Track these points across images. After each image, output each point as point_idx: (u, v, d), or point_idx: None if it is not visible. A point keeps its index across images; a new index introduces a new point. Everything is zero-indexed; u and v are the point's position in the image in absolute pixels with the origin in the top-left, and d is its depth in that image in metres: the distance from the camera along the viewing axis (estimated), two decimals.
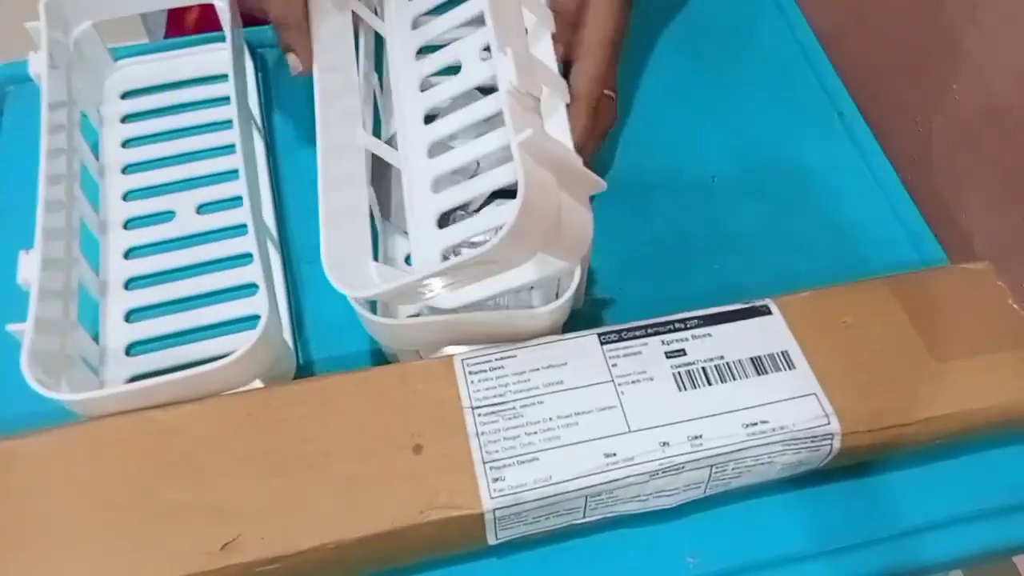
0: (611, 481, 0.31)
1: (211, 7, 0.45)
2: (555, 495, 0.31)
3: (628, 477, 0.31)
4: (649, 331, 0.35)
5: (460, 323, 0.34)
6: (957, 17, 0.45)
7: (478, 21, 0.37)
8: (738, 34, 0.52)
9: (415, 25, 0.41)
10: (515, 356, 0.34)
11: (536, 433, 0.32)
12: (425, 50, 0.41)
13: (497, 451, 0.31)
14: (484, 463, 0.31)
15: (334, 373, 0.34)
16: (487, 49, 0.36)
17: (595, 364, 0.34)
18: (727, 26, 0.52)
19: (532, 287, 0.36)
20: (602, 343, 0.34)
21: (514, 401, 0.33)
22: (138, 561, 0.30)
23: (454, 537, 0.32)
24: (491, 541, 0.32)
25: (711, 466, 0.32)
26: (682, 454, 0.32)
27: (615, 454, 0.31)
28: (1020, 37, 0.41)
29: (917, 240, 0.44)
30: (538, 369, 0.33)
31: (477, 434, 0.32)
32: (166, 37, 0.62)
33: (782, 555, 0.35)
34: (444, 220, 0.36)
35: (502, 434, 0.32)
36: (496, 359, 0.34)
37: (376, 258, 0.36)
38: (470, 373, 0.33)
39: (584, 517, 0.33)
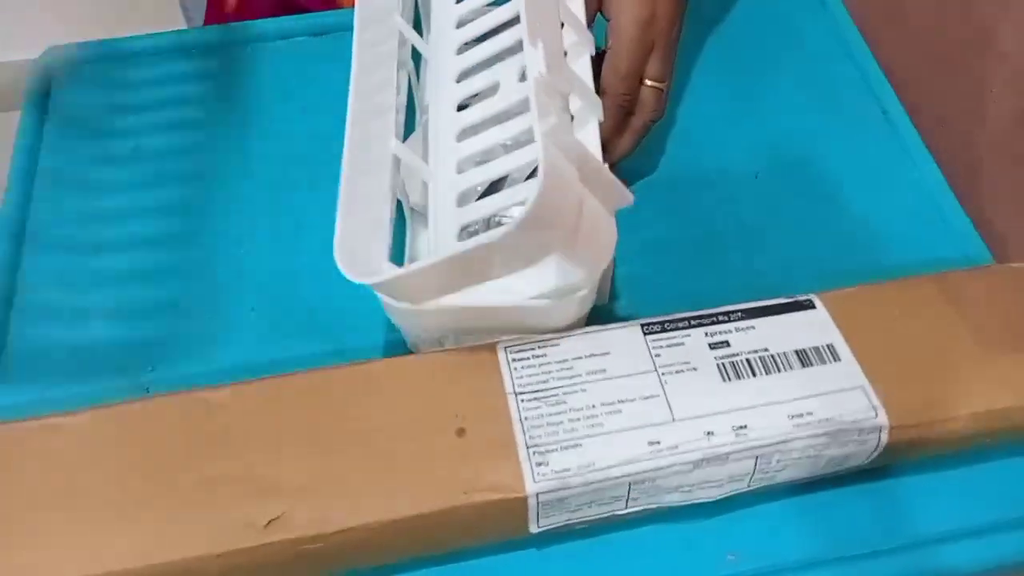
0: (655, 469, 0.31)
1: None
2: (599, 481, 0.31)
3: (672, 465, 0.31)
4: (692, 323, 0.35)
5: (478, 311, 0.33)
6: (990, 18, 0.45)
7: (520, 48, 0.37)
8: (781, 31, 0.52)
9: (459, 51, 0.41)
10: (558, 344, 0.34)
11: (579, 420, 0.32)
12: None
13: (540, 436, 0.31)
14: (528, 447, 0.31)
15: (379, 359, 0.34)
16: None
17: (638, 353, 0.34)
18: (770, 23, 0.52)
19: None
20: (645, 333, 0.34)
21: (557, 388, 0.32)
22: (183, 534, 0.30)
23: (496, 522, 0.31)
24: (532, 529, 0.32)
25: (756, 457, 0.32)
26: (727, 444, 0.31)
27: (659, 442, 0.31)
28: None
29: (962, 240, 0.43)
30: (581, 357, 0.33)
31: (520, 419, 0.32)
32: (205, 23, 0.62)
33: (823, 556, 0.34)
34: (464, 201, 0.36)
35: (545, 420, 0.32)
36: (539, 347, 0.34)
37: (404, 254, 0.36)
38: (513, 360, 0.33)
39: (626, 507, 0.32)
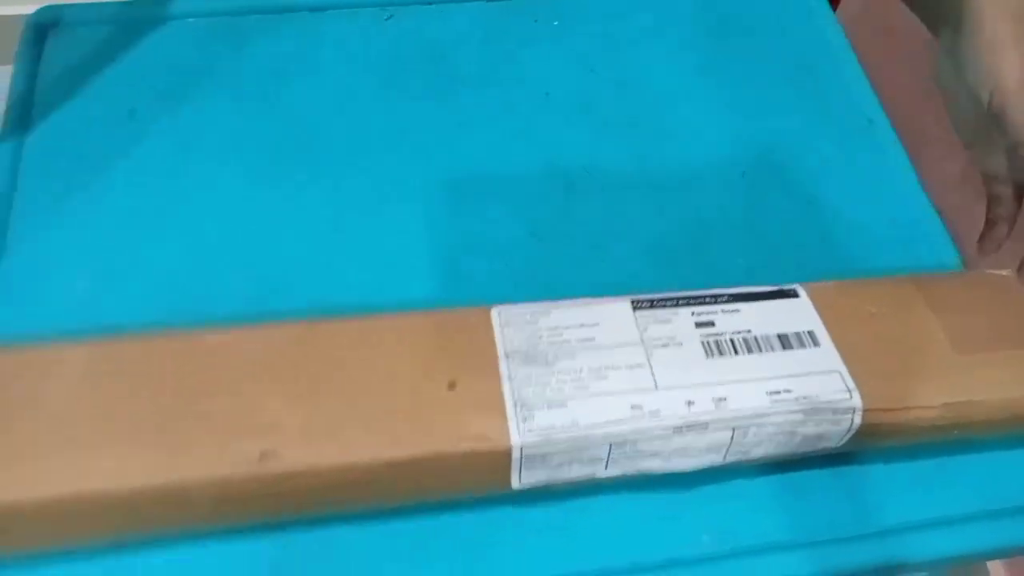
0: (636, 431, 0.32)
1: None
2: (581, 439, 0.32)
3: (652, 429, 0.32)
4: (680, 302, 0.36)
5: None
6: None
7: None
8: (772, 38, 0.53)
9: None
10: (549, 314, 0.35)
11: (566, 382, 0.33)
12: None
13: (528, 395, 0.32)
14: (515, 404, 0.32)
15: (379, 314, 0.35)
16: None
17: (626, 326, 0.35)
18: (762, 30, 0.54)
19: None
20: (634, 308, 0.35)
21: (547, 351, 0.34)
22: (176, 460, 0.30)
23: (480, 472, 0.32)
24: (514, 484, 0.33)
25: (733, 429, 0.33)
26: (706, 413, 0.32)
27: (641, 407, 0.32)
28: None
29: (936, 247, 0.44)
30: (571, 326, 0.35)
31: (510, 378, 0.33)
32: None
33: (796, 541, 0.35)
34: None
35: (533, 380, 0.33)
36: (531, 315, 0.35)
37: None
38: (506, 323, 0.34)
39: (606, 470, 0.33)
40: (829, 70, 0.51)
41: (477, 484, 0.34)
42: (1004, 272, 0.39)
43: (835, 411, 0.33)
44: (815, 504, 0.36)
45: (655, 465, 0.34)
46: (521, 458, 0.32)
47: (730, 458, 0.34)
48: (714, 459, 0.34)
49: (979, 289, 0.39)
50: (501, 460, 0.32)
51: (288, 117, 0.46)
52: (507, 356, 0.33)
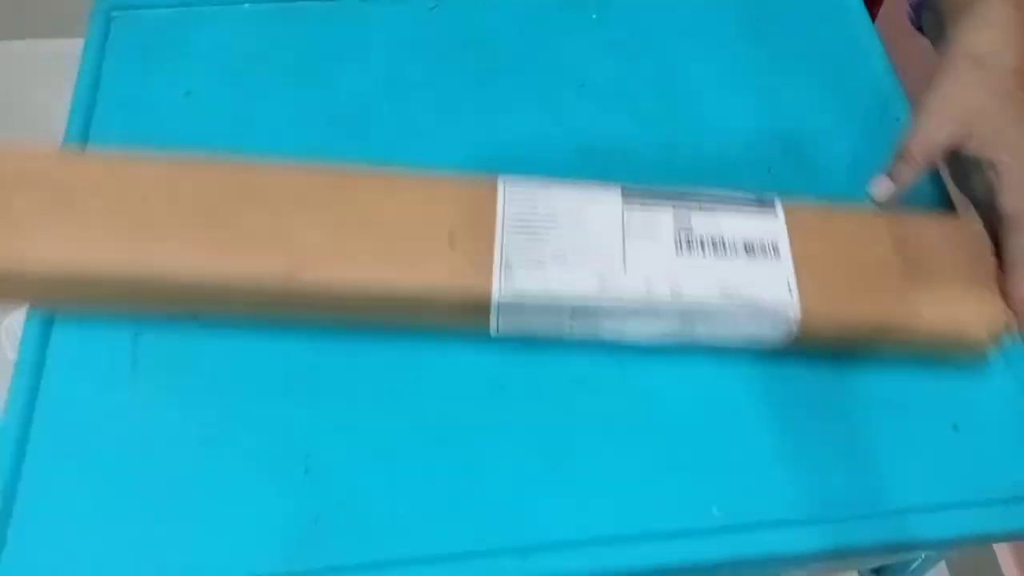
0: (597, 305, 0.38)
1: None
2: (550, 301, 0.38)
3: (613, 305, 0.38)
4: (665, 197, 0.41)
5: None
6: None
7: None
8: (805, 37, 0.55)
9: None
10: (549, 190, 0.41)
11: (548, 252, 0.39)
12: None
13: (514, 258, 0.39)
14: (502, 263, 0.39)
15: (404, 171, 0.41)
16: None
17: (612, 212, 0.40)
18: (795, 29, 0.55)
19: None
20: (623, 197, 0.41)
21: (538, 224, 0.40)
22: (215, 256, 0.38)
23: (465, 314, 0.39)
24: (492, 329, 0.40)
25: (682, 316, 0.39)
26: (662, 299, 0.38)
27: (607, 285, 0.38)
28: None
29: None
30: (564, 204, 0.40)
31: (502, 243, 0.39)
32: None
33: (800, 516, 0.38)
34: None
35: (522, 246, 0.39)
36: (532, 189, 0.41)
37: None
38: (509, 195, 0.41)
39: (572, 332, 0.40)
40: (861, 69, 0.53)
41: (462, 323, 0.40)
42: (971, 222, 0.43)
43: (775, 314, 0.39)
44: (821, 482, 0.39)
45: (611, 334, 0.40)
46: (498, 309, 0.38)
47: (678, 340, 0.40)
48: (664, 339, 0.40)
49: (951, 237, 0.42)
50: (482, 307, 0.38)
51: (338, 99, 0.49)
52: (504, 224, 0.40)
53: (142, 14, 0.52)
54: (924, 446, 0.40)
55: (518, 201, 0.40)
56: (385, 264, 0.39)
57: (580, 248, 0.39)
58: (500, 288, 0.38)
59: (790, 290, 0.39)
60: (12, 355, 1.00)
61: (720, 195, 0.41)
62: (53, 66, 0.75)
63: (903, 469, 0.39)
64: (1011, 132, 0.41)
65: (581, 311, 0.39)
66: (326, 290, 0.38)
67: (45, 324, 0.41)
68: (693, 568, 0.38)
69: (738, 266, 0.39)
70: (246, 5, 0.53)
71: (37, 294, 0.41)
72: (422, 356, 0.41)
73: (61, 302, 0.41)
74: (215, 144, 0.46)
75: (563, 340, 0.40)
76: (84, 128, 0.47)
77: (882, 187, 0.43)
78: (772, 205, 0.41)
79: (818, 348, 0.41)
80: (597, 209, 0.40)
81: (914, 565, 0.55)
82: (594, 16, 0.54)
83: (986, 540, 0.39)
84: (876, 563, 0.57)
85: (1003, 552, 0.89)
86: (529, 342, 0.41)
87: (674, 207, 0.41)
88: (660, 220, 0.40)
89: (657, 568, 0.37)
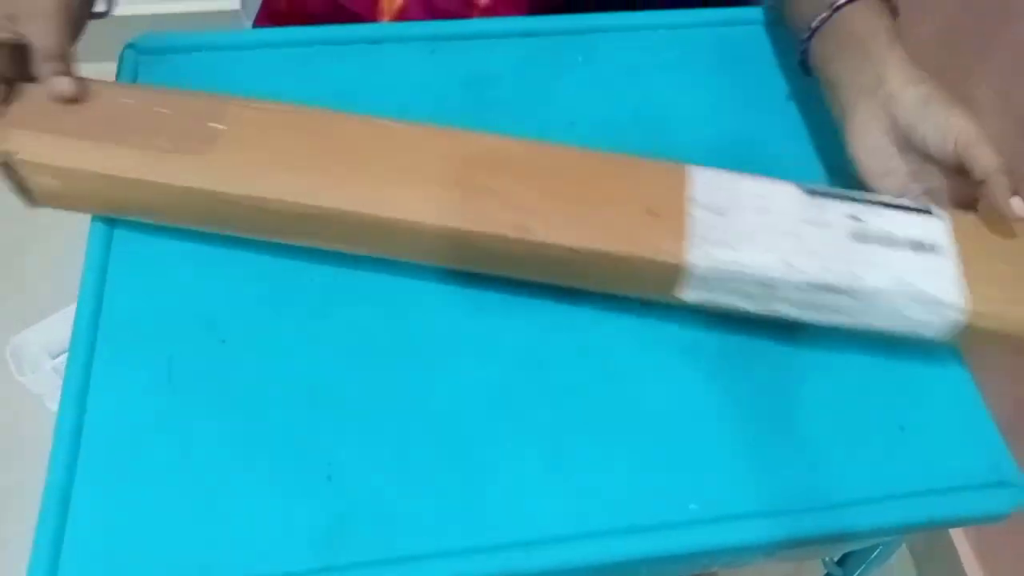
0: (781, 279, 0.42)
1: None
2: (739, 272, 0.42)
3: (793, 281, 0.42)
4: (836, 196, 0.45)
5: None
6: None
7: None
8: (780, 68, 0.59)
9: None
10: (733, 179, 0.46)
11: (736, 230, 0.43)
12: None
13: (707, 232, 0.43)
14: (695, 236, 0.43)
15: (605, 152, 0.47)
16: None
17: (792, 202, 0.45)
18: (771, 59, 0.60)
19: None
20: (800, 190, 0.45)
21: (726, 205, 0.44)
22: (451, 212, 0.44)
23: (659, 278, 0.44)
24: (680, 294, 0.44)
25: (856, 298, 0.42)
26: (839, 279, 0.42)
27: (791, 263, 0.42)
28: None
29: None
30: (747, 192, 0.45)
31: (694, 216, 0.44)
32: (259, 15, 0.69)
33: (768, 509, 0.42)
34: None
35: (712, 223, 0.44)
36: (717, 176, 0.46)
37: None
38: (697, 178, 0.45)
39: (751, 304, 0.44)
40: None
41: (655, 287, 0.45)
42: None
43: (940, 304, 0.42)
44: (786, 478, 0.43)
45: (786, 311, 0.44)
46: (691, 275, 0.43)
47: (851, 322, 0.44)
48: (839, 320, 0.44)
49: None
50: (677, 272, 0.43)
51: None
52: (695, 201, 0.44)
53: (167, 59, 0.56)
54: (874, 444, 0.44)
55: (704, 182, 0.45)
56: (597, 230, 0.43)
57: (766, 229, 0.43)
58: (695, 259, 0.42)
59: (958, 284, 0.42)
60: (19, 376, 1.03)
61: (883, 199, 0.46)
62: None
63: (855, 464, 0.44)
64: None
65: (766, 285, 0.42)
66: (547, 248, 0.43)
67: (88, 350, 0.45)
68: (674, 558, 0.42)
69: (908, 259, 0.43)
70: (265, 51, 0.57)
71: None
72: (429, 373, 0.45)
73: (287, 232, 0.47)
74: None
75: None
76: None
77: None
78: (930, 211, 0.45)
79: (972, 340, 0.44)
80: (777, 197, 0.45)
81: (874, 554, 0.60)
82: (580, 58, 0.58)
83: (931, 527, 0.44)
84: (839, 552, 0.63)
85: (957, 533, 0.95)
86: (529, 358, 0.46)
87: (846, 202, 0.45)
88: (835, 212, 0.44)
89: (646, 558, 0.41)
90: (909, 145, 0.47)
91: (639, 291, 0.46)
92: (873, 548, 0.58)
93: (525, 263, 0.45)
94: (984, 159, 0.45)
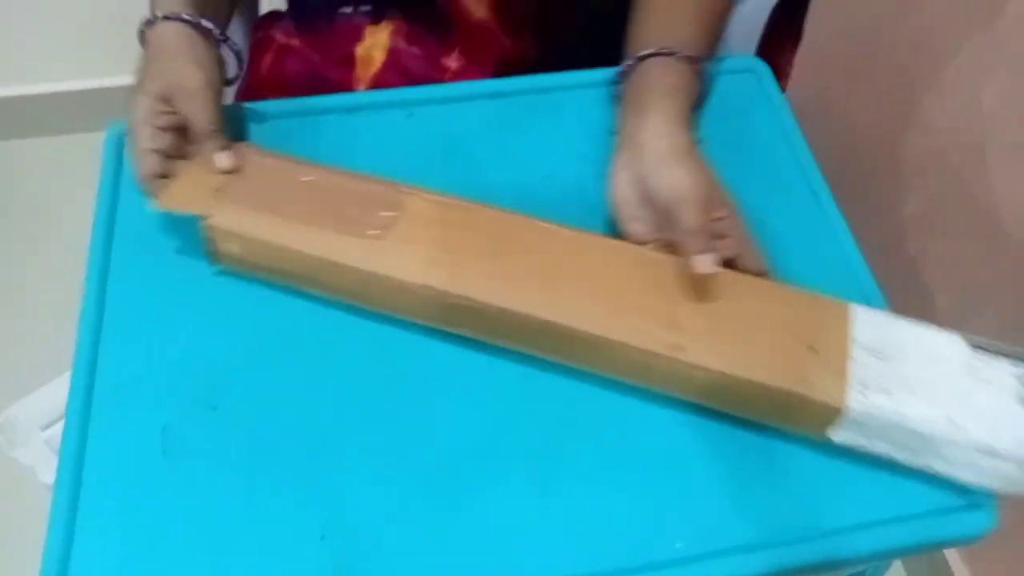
0: (942, 436, 0.41)
1: None
2: (898, 423, 0.41)
3: (954, 441, 0.41)
4: (1002, 353, 0.44)
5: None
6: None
7: None
8: (736, 124, 0.61)
9: None
10: (895, 324, 0.45)
11: (898, 379, 0.42)
12: None
13: (867, 376, 0.42)
14: (856, 378, 0.42)
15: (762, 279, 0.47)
16: None
17: (956, 355, 0.43)
18: (728, 117, 0.61)
19: None
20: (966, 343, 0.44)
21: (889, 352, 0.43)
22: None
23: (813, 417, 0.43)
24: (833, 436, 0.43)
25: (1019, 464, 0.41)
26: (1004, 445, 0.40)
27: (954, 421, 0.41)
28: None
29: (866, 290, 0.53)
30: (910, 339, 0.44)
31: (856, 359, 0.43)
32: (242, 84, 0.71)
33: (754, 543, 0.43)
34: None
35: (874, 367, 0.42)
36: (880, 318, 0.45)
37: None
38: (860, 318, 0.45)
39: (901, 454, 0.43)
40: (783, 151, 0.60)
41: (807, 424, 0.44)
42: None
43: None
44: (768, 511, 0.44)
45: (939, 466, 0.42)
46: (847, 419, 0.42)
47: (1011, 489, 0.42)
48: (999, 485, 0.42)
49: None
50: (832, 414, 0.42)
51: None
52: (857, 342, 0.43)
53: None
54: (854, 472, 0.45)
55: (867, 324, 0.44)
56: (753, 360, 0.43)
57: (928, 382, 0.42)
58: (855, 403, 0.41)
59: None
60: (11, 452, 1.03)
61: None
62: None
63: (838, 494, 0.45)
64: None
65: (927, 440, 0.41)
66: (692, 370, 0.44)
67: (81, 425, 0.46)
68: None
69: None
70: (247, 123, 0.59)
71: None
72: (416, 422, 0.46)
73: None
74: None
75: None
76: (105, 256, 0.53)
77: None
78: None
79: None
80: (942, 348, 0.43)
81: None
82: (548, 117, 0.60)
83: (909, 553, 0.45)
84: None
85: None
86: (516, 403, 0.47)
87: (1013, 362, 0.43)
88: (1001, 371, 0.43)
89: None
90: (649, 196, 0.50)
91: (782, 423, 0.45)
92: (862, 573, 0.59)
93: (669, 380, 0.45)
94: (684, 218, 0.47)
